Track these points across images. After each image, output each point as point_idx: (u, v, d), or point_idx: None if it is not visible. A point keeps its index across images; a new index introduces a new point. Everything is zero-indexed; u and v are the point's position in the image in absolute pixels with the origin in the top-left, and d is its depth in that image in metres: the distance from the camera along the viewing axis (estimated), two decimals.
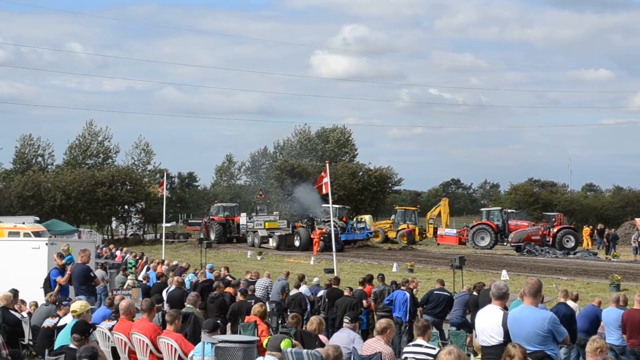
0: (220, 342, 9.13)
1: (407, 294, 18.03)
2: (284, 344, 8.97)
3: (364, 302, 18.53)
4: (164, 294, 18.54)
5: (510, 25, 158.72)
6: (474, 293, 17.92)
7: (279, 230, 52.46)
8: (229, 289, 18.49)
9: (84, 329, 9.28)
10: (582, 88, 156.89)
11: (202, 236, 53.73)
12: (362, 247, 51.76)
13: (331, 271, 29.92)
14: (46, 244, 21.13)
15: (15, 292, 15.72)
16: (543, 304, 11.88)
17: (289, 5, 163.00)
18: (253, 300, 16.50)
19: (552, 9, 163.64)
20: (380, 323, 10.68)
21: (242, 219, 57.43)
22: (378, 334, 10.50)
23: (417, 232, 56.19)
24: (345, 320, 11.88)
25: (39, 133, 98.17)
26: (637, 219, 52.02)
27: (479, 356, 9.78)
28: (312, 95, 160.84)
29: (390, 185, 76.74)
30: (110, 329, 11.65)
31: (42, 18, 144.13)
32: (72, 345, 9.23)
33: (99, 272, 22.05)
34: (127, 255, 34.49)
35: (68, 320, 11.91)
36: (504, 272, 31.36)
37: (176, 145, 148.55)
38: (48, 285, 17.26)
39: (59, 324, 12.69)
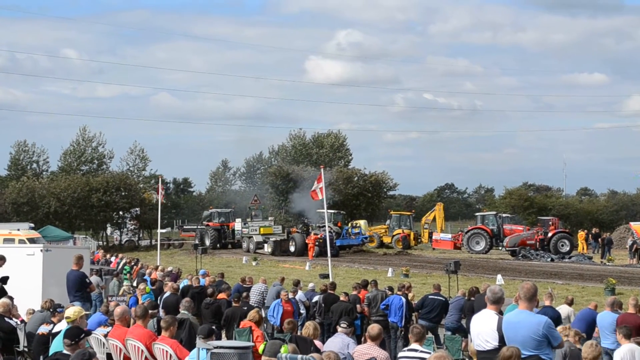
0: (215, 347, 9.10)
1: (403, 299, 18.03)
2: (284, 350, 8.96)
3: (358, 306, 18.49)
4: (159, 300, 18.52)
5: (504, 30, 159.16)
6: (472, 298, 17.92)
7: (274, 236, 52.38)
8: (222, 295, 18.44)
9: (74, 333, 9.28)
10: (576, 92, 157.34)
11: (197, 242, 53.74)
12: (358, 252, 51.67)
13: (326, 276, 29.91)
14: (41, 250, 21.08)
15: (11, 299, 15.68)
16: (538, 308, 11.91)
17: (282, 11, 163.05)
18: (247, 307, 16.51)
19: (545, 14, 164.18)
20: (373, 328, 10.67)
21: (237, 224, 57.41)
22: (371, 340, 10.49)
23: (412, 237, 56.16)
24: (343, 325, 11.88)
25: (35, 139, 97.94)
26: (632, 223, 52.00)
27: None
28: (307, 100, 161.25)
29: (385, 190, 76.71)
30: (106, 336, 11.63)
31: (36, 24, 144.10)
32: (65, 352, 9.21)
33: (94, 279, 22.01)
34: (122, 261, 34.47)
35: (63, 326, 11.89)
36: (499, 276, 31.36)
37: (171, 151, 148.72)
38: None
39: (53, 331, 12.67)
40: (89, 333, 10.37)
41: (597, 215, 78.52)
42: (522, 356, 8.51)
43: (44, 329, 13.18)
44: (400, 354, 10.68)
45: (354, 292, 19.71)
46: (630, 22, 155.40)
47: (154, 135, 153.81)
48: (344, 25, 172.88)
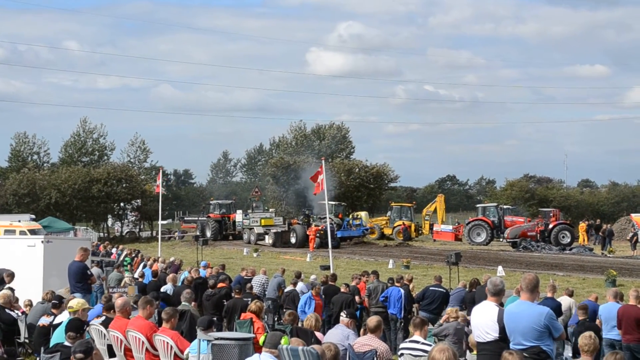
0: (216, 339, 9.11)
1: (402, 291, 18.03)
2: (284, 341, 8.96)
3: (357, 297, 18.47)
4: (170, 292, 18.46)
5: (505, 22, 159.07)
6: (472, 290, 17.93)
7: (275, 227, 52.39)
8: (222, 284, 18.41)
9: (78, 326, 9.29)
10: (577, 84, 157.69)
11: (197, 233, 53.69)
12: (358, 244, 51.69)
13: (327, 268, 29.91)
14: (42, 242, 21.09)
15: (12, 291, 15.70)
16: (538, 300, 11.91)
17: (283, 3, 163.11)
18: (250, 298, 16.51)
19: (546, 5, 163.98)
20: (372, 320, 10.66)
21: (238, 216, 57.43)
22: (370, 332, 10.48)
23: (413, 228, 56.12)
24: (342, 315, 11.88)
25: (36, 131, 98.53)
26: (632, 215, 51.97)
27: (475, 352, 9.80)
28: (308, 92, 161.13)
29: (386, 181, 76.66)
30: (106, 327, 11.62)
31: (38, 16, 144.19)
32: (67, 343, 9.22)
33: (95, 270, 22.00)
34: (123, 252, 34.45)
35: (63, 318, 11.91)
36: (500, 268, 31.37)
37: (172, 143, 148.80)
38: None
39: (54, 322, 12.69)
40: (87, 324, 10.40)
41: (598, 206, 78.55)
42: (523, 347, 8.51)
43: (44, 321, 13.21)
44: (401, 345, 10.68)
45: (353, 283, 19.73)
46: (631, 13, 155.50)
47: (155, 127, 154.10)
48: (345, 17, 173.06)
